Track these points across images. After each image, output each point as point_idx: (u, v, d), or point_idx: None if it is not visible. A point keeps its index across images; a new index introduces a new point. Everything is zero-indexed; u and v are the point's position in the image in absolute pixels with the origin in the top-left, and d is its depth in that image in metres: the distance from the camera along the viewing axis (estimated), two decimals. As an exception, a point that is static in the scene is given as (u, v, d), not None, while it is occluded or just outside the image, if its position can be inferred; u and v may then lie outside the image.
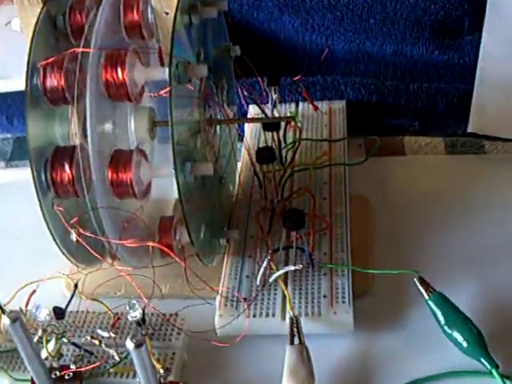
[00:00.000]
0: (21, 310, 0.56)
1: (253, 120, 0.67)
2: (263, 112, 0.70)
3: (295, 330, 0.53)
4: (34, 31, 0.51)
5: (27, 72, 0.49)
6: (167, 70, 0.48)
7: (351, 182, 0.66)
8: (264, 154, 0.61)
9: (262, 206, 0.63)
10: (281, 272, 0.56)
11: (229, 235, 0.59)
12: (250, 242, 0.61)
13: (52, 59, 0.49)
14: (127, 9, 0.52)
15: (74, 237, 0.52)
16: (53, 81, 0.49)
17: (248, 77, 0.72)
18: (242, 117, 0.75)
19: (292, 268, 0.56)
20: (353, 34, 0.81)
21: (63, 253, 0.53)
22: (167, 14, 0.51)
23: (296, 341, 0.52)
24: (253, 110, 0.75)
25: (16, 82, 0.87)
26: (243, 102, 0.73)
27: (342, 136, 0.71)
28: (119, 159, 0.49)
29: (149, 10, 0.52)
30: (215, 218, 0.59)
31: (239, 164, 0.69)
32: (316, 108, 0.74)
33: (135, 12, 0.52)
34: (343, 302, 0.55)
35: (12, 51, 0.58)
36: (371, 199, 0.67)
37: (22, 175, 0.78)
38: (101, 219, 0.50)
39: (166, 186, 0.56)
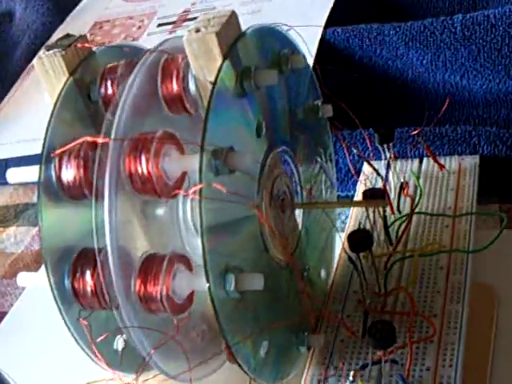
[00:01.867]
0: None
1: (333, 205, 0.56)
2: (377, 173, 0.59)
3: None
4: (54, 108, 0.43)
5: (41, 160, 0.41)
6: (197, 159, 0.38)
7: (472, 264, 0.52)
8: (357, 240, 0.49)
9: (359, 299, 0.52)
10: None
11: (311, 342, 0.48)
12: (339, 348, 0.49)
13: (67, 147, 0.40)
14: (164, 79, 0.42)
15: (119, 346, 0.45)
16: (69, 173, 0.41)
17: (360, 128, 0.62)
18: (350, 177, 0.64)
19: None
20: (491, 72, 0.69)
21: (99, 364, 0.44)
22: (211, 83, 0.40)
23: None
24: (366, 169, 0.64)
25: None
26: (348, 159, 0.63)
27: (471, 205, 0.57)
28: (149, 268, 0.40)
29: (189, 78, 0.42)
30: (289, 322, 0.48)
31: (340, 240, 0.58)
32: (442, 167, 0.62)
33: (174, 82, 0.42)
34: None
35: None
36: (498, 288, 0.53)
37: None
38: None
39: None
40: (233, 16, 0.42)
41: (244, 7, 0.95)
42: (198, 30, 0.41)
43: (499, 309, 0.52)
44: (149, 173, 0.39)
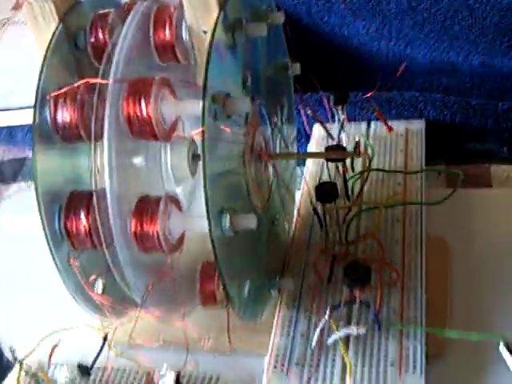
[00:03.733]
0: (40, 366, 0.49)
1: (308, 155, 0.59)
2: (329, 134, 0.62)
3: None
4: (47, 52, 0.44)
5: (36, 103, 0.42)
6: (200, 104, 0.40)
7: (427, 218, 0.56)
8: (324, 191, 0.51)
9: (322, 249, 0.55)
10: (341, 334, 0.47)
11: (281, 285, 0.51)
12: (307, 293, 0.52)
13: (64, 89, 0.42)
14: (157, 27, 0.43)
15: (99, 289, 0.45)
16: (65, 115, 0.42)
17: (312, 92, 0.64)
18: (304, 138, 0.67)
19: (354, 332, 0.47)
20: (435, 42, 0.72)
21: (83, 308, 0.46)
22: (205, 32, 0.42)
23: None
24: (317, 131, 0.67)
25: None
26: (305, 120, 0.65)
27: (420, 165, 0.61)
28: (144, 208, 0.41)
29: (183, 27, 0.43)
30: (264, 266, 0.50)
31: (298, 196, 0.60)
32: (390, 129, 0.65)
33: (167, 30, 0.43)
34: (414, 372, 0.46)
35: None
36: (450, 241, 0.57)
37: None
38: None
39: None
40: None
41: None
42: (195, -19, 0.42)
43: (453, 258, 0.56)
44: (148, 116, 0.40)
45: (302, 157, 0.57)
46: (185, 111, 0.42)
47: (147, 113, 0.40)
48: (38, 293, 0.60)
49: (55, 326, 0.49)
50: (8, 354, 0.49)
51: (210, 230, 0.40)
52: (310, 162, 0.64)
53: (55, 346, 0.48)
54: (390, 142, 0.65)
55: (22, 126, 0.79)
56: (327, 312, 0.47)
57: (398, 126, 0.66)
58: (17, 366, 0.49)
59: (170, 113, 0.41)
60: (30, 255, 0.61)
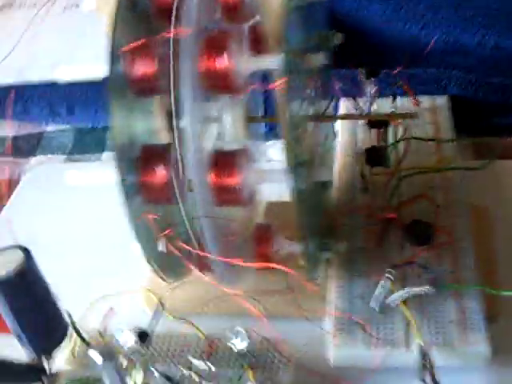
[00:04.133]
0: (100, 333, 0.48)
1: (371, 117, 0.60)
2: (358, 107, 0.63)
3: (426, 363, 0.44)
4: (117, 12, 0.43)
5: (111, 58, 0.42)
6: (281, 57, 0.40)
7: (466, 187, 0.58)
8: (376, 155, 0.53)
9: (367, 213, 0.55)
10: (406, 294, 0.48)
11: (335, 248, 0.51)
12: (360, 256, 0.53)
13: (140, 43, 0.41)
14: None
15: (163, 247, 0.45)
16: (142, 68, 0.42)
17: (340, 67, 0.65)
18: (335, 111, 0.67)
19: (419, 289, 0.47)
20: (449, 25, 0.74)
21: (152, 265, 0.46)
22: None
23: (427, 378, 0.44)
24: (345, 104, 0.67)
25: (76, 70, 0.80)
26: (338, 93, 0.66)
27: (450, 135, 0.63)
28: (223, 161, 0.42)
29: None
30: (319, 229, 0.51)
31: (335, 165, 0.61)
32: (417, 103, 0.66)
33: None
34: (477, 330, 0.46)
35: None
36: (490, 208, 0.58)
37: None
38: (196, 230, 0.42)
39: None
40: None
41: None
42: None
43: (495, 225, 0.57)
44: (226, 70, 0.41)
45: (361, 118, 0.58)
46: (260, 65, 0.42)
47: (225, 66, 0.41)
48: (93, 256, 0.59)
49: (109, 291, 0.50)
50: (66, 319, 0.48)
51: (294, 180, 0.40)
52: (342, 133, 0.65)
53: (111, 311, 0.48)
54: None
55: (36, 102, 0.78)
56: (388, 271, 0.48)
57: (423, 101, 0.67)
58: (73, 332, 0.48)
59: (246, 67, 0.42)
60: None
